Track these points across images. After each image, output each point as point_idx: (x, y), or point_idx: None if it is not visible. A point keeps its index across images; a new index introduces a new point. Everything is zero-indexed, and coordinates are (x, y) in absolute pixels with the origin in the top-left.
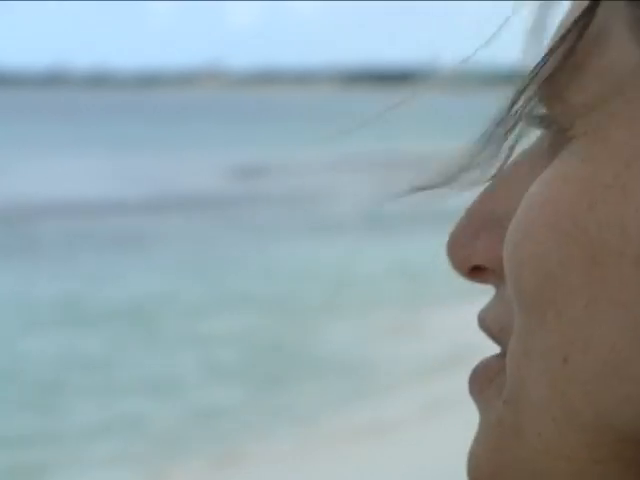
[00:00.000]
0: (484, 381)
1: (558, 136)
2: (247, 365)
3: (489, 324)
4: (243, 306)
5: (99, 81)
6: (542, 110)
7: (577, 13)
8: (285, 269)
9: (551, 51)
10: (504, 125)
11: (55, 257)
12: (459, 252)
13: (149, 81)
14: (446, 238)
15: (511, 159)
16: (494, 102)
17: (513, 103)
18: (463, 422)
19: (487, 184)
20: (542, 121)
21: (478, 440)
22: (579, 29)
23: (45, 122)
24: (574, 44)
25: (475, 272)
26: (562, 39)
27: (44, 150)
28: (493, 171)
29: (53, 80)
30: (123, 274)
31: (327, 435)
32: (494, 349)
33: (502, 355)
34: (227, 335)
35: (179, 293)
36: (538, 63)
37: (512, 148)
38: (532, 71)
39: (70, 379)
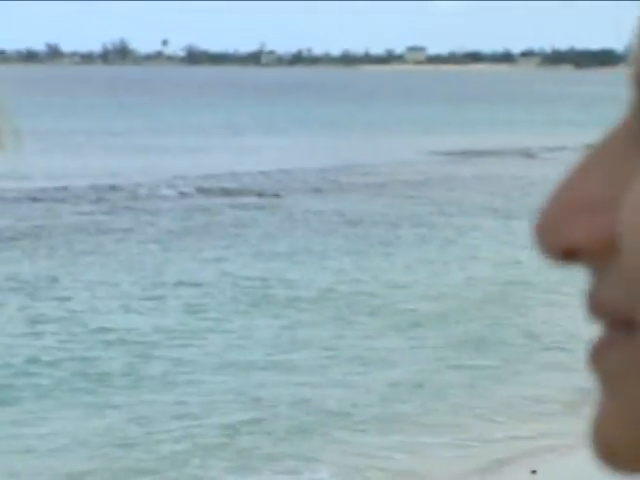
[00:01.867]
0: (607, 355)
1: None
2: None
3: (614, 307)
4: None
5: (298, 60)
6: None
7: None
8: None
9: None
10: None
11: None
12: (551, 236)
13: (351, 60)
14: None
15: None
16: None
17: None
18: None
19: (575, 164)
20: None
21: (608, 413)
22: None
23: (252, 101)
24: None
25: (568, 256)
26: None
27: (258, 128)
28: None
29: (256, 59)
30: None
31: None
32: None
33: (628, 336)
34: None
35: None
36: None
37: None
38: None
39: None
